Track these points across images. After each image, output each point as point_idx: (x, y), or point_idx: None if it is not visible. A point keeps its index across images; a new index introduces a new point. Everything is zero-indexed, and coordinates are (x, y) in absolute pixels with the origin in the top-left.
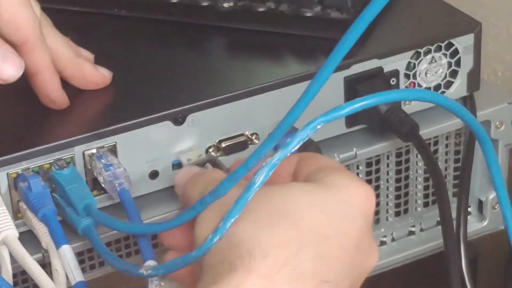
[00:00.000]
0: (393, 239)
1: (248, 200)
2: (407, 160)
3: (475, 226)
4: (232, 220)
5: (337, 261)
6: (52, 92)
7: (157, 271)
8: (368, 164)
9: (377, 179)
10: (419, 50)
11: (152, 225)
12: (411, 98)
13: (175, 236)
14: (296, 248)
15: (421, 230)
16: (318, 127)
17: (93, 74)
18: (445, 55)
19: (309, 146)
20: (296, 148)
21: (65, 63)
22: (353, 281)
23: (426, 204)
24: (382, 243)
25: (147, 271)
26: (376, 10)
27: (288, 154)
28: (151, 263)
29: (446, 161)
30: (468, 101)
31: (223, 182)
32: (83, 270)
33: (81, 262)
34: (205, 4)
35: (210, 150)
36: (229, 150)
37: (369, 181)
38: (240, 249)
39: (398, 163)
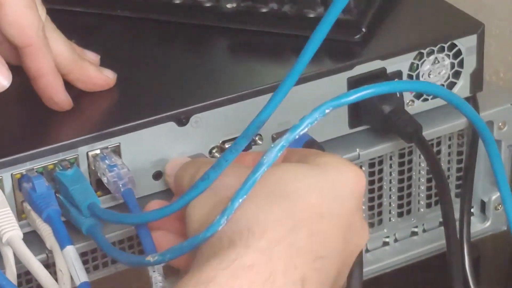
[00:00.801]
0: (396, 240)
1: (256, 180)
2: (410, 161)
3: (478, 226)
4: (240, 200)
5: (331, 239)
6: (56, 95)
7: (163, 257)
8: (371, 165)
9: (380, 179)
10: (422, 51)
11: (158, 211)
12: (417, 90)
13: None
14: (292, 225)
15: (424, 230)
16: (327, 111)
17: (97, 77)
18: (448, 56)
19: (312, 145)
20: (304, 131)
21: (69, 66)
22: (345, 258)
23: (429, 205)
24: (385, 243)
25: (154, 258)
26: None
27: (297, 136)
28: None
29: (449, 161)
30: (471, 102)
31: (225, 154)
32: (87, 271)
33: (84, 262)
34: (208, 5)
35: (214, 150)
36: None
37: (372, 182)
38: (239, 225)
39: (401, 164)
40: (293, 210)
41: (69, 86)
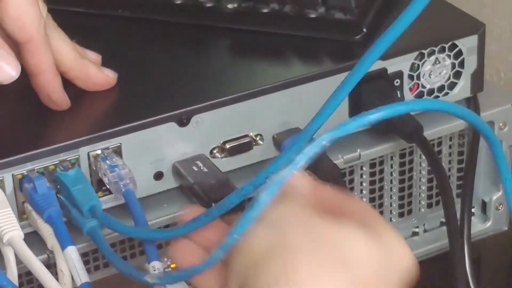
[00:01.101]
0: None
1: (251, 219)
2: (411, 161)
3: (479, 227)
4: (236, 236)
5: None
6: (54, 93)
7: (161, 281)
8: (372, 165)
9: (381, 180)
10: (423, 51)
11: (157, 232)
12: (418, 109)
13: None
14: None
15: (425, 231)
16: (324, 143)
17: (97, 76)
18: (449, 56)
19: None
20: (302, 166)
21: (69, 64)
22: None
23: (429, 205)
24: None
25: (152, 279)
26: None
27: (293, 172)
28: (156, 264)
29: (449, 162)
30: (472, 102)
31: (230, 196)
32: (88, 271)
33: (86, 263)
34: (209, 5)
35: (215, 151)
36: (233, 151)
37: (372, 182)
38: (302, 279)
39: (402, 164)
40: (354, 280)
41: (70, 85)
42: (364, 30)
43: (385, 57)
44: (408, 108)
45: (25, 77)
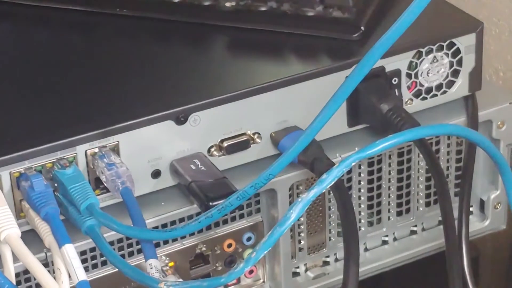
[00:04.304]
0: (395, 239)
1: (282, 234)
2: (409, 160)
3: (477, 225)
4: (265, 252)
5: None
6: None
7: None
8: (370, 164)
9: (379, 178)
10: (421, 49)
11: (155, 232)
12: (440, 133)
13: None
14: None
15: (423, 229)
16: (353, 164)
17: None
18: (446, 54)
19: (311, 145)
20: (331, 184)
21: None
22: None
23: (427, 204)
24: (384, 242)
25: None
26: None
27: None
28: (153, 262)
29: (447, 160)
30: (470, 101)
31: (231, 199)
32: (86, 269)
33: (83, 261)
34: (207, 3)
35: (212, 149)
36: (231, 150)
37: (371, 181)
38: None
39: (400, 163)
40: None
41: (70, 83)
42: (362, 28)
43: (383, 55)
44: (431, 132)
45: (24, 76)
